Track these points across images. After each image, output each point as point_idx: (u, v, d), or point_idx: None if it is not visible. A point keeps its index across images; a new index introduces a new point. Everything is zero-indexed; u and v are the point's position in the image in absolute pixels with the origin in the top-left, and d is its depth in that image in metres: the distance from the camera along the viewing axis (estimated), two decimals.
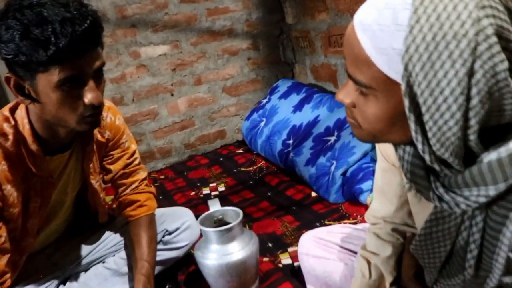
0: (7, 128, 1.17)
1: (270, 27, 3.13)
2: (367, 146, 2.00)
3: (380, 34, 0.64)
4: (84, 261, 1.59)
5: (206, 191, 2.37)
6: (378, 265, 1.05)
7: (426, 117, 0.63)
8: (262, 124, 2.66)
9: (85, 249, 1.59)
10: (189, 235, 1.62)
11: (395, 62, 0.64)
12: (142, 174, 1.57)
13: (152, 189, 1.59)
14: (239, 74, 3.10)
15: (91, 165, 1.41)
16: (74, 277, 1.57)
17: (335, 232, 1.29)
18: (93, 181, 1.45)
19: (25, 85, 1.06)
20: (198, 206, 2.13)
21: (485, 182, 0.65)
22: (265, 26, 3.11)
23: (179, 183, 2.54)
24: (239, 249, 1.39)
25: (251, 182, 2.39)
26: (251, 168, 2.56)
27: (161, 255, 1.56)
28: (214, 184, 2.43)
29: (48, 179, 1.27)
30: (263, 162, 2.60)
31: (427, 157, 0.67)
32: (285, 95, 2.68)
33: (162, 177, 2.68)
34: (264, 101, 2.83)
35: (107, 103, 1.45)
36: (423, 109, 0.63)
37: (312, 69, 2.96)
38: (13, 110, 1.19)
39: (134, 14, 2.74)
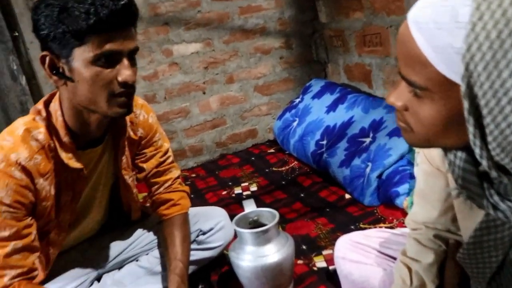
0: (39, 121, 1.17)
1: (303, 26, 3.10)
2: (403, 149, 1.95)
3: (437, 32, 0.61)
4: (118, 259, 1.58)
5: (238, 190, 2.36)
6: (419, 272, 1.02)
7: (487, 120, 0.59)
8: (295, 124, 2.64)
9: (118, 246, 1.59)
10: (223, 236, 1.60)
11: (454, 61, 0.60)
12: (175, 173, 1.56)
13: (186, 187, 1.58)
14: (271, 73, 3.08)
15: (124, 160, 1.41)
16: (108, 274, 1.58)
17: (372, 236, 1.26)
18: (126, 177, 1.44)
19: (60, 64, 1.08)
20: (230, 206, 2.12)
21: None
22: (298, 25, 3.08)
23: (210, 182, 2.54)
24: (275, 251, 1.37)
25: (283, 182, 2.36)
26: (283, 168, 2.54)
27: (195, 255, 1.55)
28: (246, 184, 2.41)
29: (80, 173, 1.27)
30: (295, 162, 2.57)
31: (484, 163, 0.63)
32: (318, 95, 2.65)
33: (193, 175, 2.68)
34: (297, 100, 2.80)
35: (140, 100, 1.45)
36: (484, 111, 0.59)
37: (345, 69, 2.92)
38: (47, 104, 1.20)
39: (166, 12, 2.75)
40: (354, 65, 2.80)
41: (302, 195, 2.18)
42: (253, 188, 2.36)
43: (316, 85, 2.76)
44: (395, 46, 2.31)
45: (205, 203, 2.25)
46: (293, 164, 2.56)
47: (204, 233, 1.58)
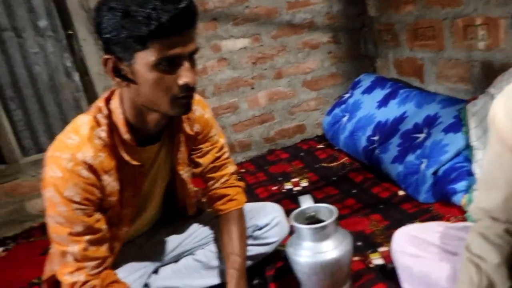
0: (101, 119, 1.21)
1: (351, 20, 3.06)
2: (460, 145, 1.90)
3: None
4: (174, 253, 1.62)
5: (288, 186, 2.36)
6: (488, 271, 0.99)
7: None
8: (345, 119, 2.61)
9: (174, 240, 1.62)
10: (279, 231, 1.61)
11: None
12: (231, 168, 1.57)
13: (241, 183, 1.59)
14: (319, 68, 3.06)
15: (180, 155, 1.43)
16: (165, 267, 1.62)
17: (430, 230, 1.25)
18: (181, 172, 1.46)
19: (122, 67, 1.10)
20: (281, 201, 2.12)
21: None
22: (346, 19, 3.05)
23: (260, 177, 2.55)
24: (333, 248, 1.36)
25: (334, 178, 2.35)
26: (333, 164, 2.52)
27: (251, 250, 1.56)
28: (297, 179, 2.41)
29: (140, 169, 1.29)
30: (346, 158, 2.55)
31: None
32: (368, 90, 2.62)
33: (242, 170, 2.70)
34: (347, 96, 2.77)
35: (196, 96, 1.46)
36: None
37: (395, 63, 2.87)
38: (107, 101, 1.23)
39: (215, 8, 2.77)
40: (405, 59, 2.74)
41: (354, 191, 2.16)
42: (304, 183, 2.36)
43: (366, 80, 2.73)
44: (450, 39, 2.26)
45: (255, 198, 2.27)
46: (343, 159, 2.54)
47: (260, 229, 1.59)
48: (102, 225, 1.24)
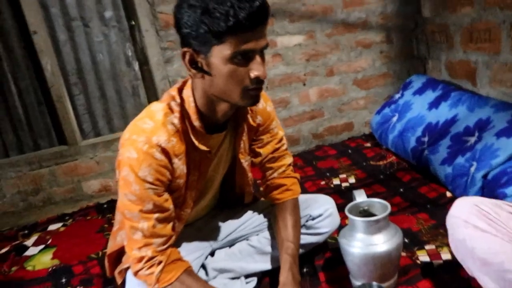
0: (174, 106, 1.32)
1: (404, 20, 3.10)
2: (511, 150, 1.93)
3: None
4: (230, 237, 1.72)
5: (336, 181, 2.43)
6: None
7: None
8: (394, 119, 2.66)
9: (231, 226, 1.72)
10: (331, 222, 1.69)
11: None
12: (289, 160, 1.66)
13: (297, 174, 1.68)
14: (370, 67, 3.11)
15: (242, 145, 1.53)
16: (220, 250, 1.72)
17: (501, 206, 1.21)
18: (242, 160, 1.57)
19: (199, 59, 1.20)
20: (330, 196, 2.19)
21: None
22: (399, 19, 3.09)
23: (308, 172, 2.62)
24: (384, 241, 1.43)
25: (381, 176, 2.40)
26: (381, 163, 2.57)
27: (303, 239, 1.64)
28: (344, 176, 2.48)
29: (207, 154, 1.40)
30: (394, 157, 2.60)
31: None
32: (419, 91, 2.65)
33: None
34: (397, 96, 2.81)
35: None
36: None
37: (447, 65, 2.88)
38: (180, 90, 1.34)
39: (273, 4, 2.84)
40: (458, 61, 2.76)
41: (401, 189, 2.21)
42: (352, 180, 2.42)
43: (417, 81, 2.76)
44: (507, 42, 2.27)
45: (304, 192, 2.34)
46: (391, 159, 2.59)
47: (313, 219, 1.67)
48: (170, 205, 1.35)
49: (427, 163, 2.28)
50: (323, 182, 2.44)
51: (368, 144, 2.89)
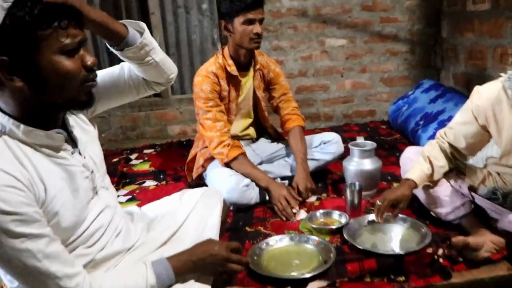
0: (219, 55, 2.47)
1: (427, 37, 3.98)
2: None
3: None
4: (271, 155, 2.73)
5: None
6: (435, 167, 1.88)
7: None
8: (404, 109, 3.56)
9: (271, 148, 2.75)
10: (337, 147, 2.67)
11: None
12: (294, 104, 2.70)
13: (302, 116, 2.69)
14: (395, 70, 4.02)
15: (256, 81, 2.60)
16: (265, 162, 2.71)
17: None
18: (258, 91, 2.62)
19: (228, 26, 2.35)
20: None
21: None
22: (423, 36, 3.98)
23: None
24: (369, 164, 2.37)
25: (386, 146, 3.32)
26: (389, 138, 3.49)
27: (318, 156, 2.66)
28: None
29: (238, 80, 2.48)
30: (399, 135, 3.51)
31: None
32: (426, 91, 3.54)
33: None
34: (410, 92, 3.71)
35: (272, 60, 2.73)
36: None
37: (453, 76, 3.77)
38: (223, 49, 2.48)
39: (326, 13, 3.81)
40: (460, 73, 3.64)
41: (397, 154, 3.11)
42: None
43: (427, 83, 3.65)
44: (491, 62, 3.14)
45: None
46: (396, 136, 3.51)
47: (325, 143, 2.66)
48: (221, 104, 2.44)
49: (419, 139, 3.18)
50: (344, 144, 3.37)
51: (384, 126, 3.81)
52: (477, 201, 1.86)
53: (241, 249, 1.53)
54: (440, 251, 1.78)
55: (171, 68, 1.57)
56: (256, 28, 2.33)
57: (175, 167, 3.17)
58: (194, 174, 2.62)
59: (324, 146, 2.67)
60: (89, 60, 1.13)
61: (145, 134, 3.91)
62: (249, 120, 2.75)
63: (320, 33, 3.84)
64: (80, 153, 1.28)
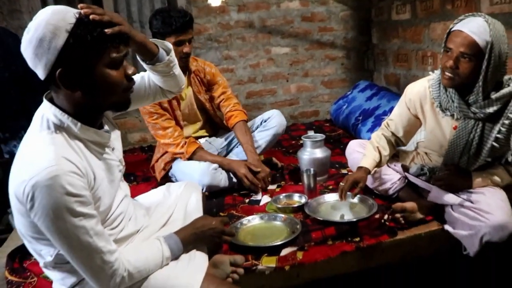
0: None
1: (360, 44, 4.47)
2: None
3: (480, 34, 1.81)
4: (228, 146, 3.03)
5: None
6: (383, 155, 2.30)
7: (489, 73, 1.82)
8: (344, 107, 4.00)
9: (225, 139, 3.05)
10: (276, 121, 2.96)
11: (486, 44, 1.78)
12: (234, 100, 2.96)
13: (244, 110, 2.95)
14: (334, 73, 4.47)
15: (195, 87, 2.84)
16: (225, 154, 3.00)
17: (365, 143, 2.54)
18: (199, 96, 2.88)
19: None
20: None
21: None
22: (356, 43, 4.46)
23: (283, 136, 3.93)
24: (320, 153, 2.75)
25: (331, 140, 3.74)
26: (333, 134, 3.91)
27: (261, 136, 2.95)
28: None
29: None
30: (341, 131, 3.95)
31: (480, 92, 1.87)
32: (362, 90, 4.00)
33: None
34: (348, 93, 4.17)
35: (207, 63, 2.95)
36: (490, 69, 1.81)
37: (384, 76, 4.27)
38: None
39: (271, 25, 4.20)
40: (390, 74, 4.14)
41: (341, 146, 3.54)
42: None
43: (362, 84, 4.11)
44: (415, 63, 3.64)
45: (279, 145, 3.66)
46: (339, 131, 3.94)
47: (265, 121, 2.99)
48: (165, 113, 2.71)
49: (359, 133, 3.61)
50: (293, 141, 3.77)
51: (327, 124, 4.23)
52: (410, 179, 2.28)
53: (230, 222, 1.87)
54: (386, 216, 2.17)
55: (182, 79, 1.89)
56: (186, 48, 2.59)
57: (143, 169, 3.42)
58: (159, 176, 2.91)
59: (265, 123, 2.98)
60: (130, 70, 1.41)
61: None
62: (199, 124, 3.02)
63: (266, 42, 4.22)
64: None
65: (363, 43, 4.46)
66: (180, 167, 2.75)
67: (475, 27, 1.81)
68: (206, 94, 2.93)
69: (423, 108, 2.17)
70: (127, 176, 3.27)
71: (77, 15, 1.30)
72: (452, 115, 2.02)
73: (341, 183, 2.23)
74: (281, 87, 4.38)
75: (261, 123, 3.01)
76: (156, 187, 2.49)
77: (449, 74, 1.89)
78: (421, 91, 2.16)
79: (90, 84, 1.33)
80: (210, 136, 3.07)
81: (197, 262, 1.65)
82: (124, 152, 3.95)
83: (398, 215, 2.10)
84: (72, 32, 1.27)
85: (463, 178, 2.06)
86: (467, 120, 1.97)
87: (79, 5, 1.34)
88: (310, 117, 4.52)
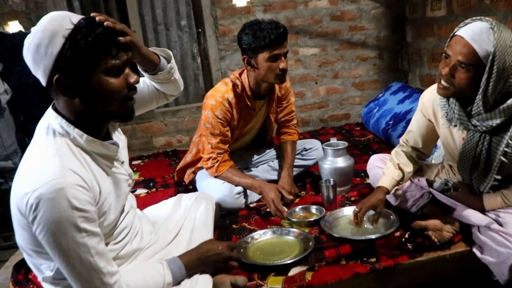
0: (237, 82, 2.52)
1: (393, 43, 4.25)
2: None
3: (482, 43, 1.57)
4: (257, 160, 2.91)
5: None
6: (405, 172, 2.13)
7: (490, 85, 1.61)
8: (375, 110, 3.80)
9: (258, 154, 2.93)
10: (317, 154, 2.86)
11: (488, 55, 1.58)
12: (295, 121, 2.88)
13: (298, 129, 2.88)
14: (365, 75, 4.27)
15: (272, 107, 2.73)
16: (250, 168, 2.90)
17: (386, 158, 2.38)
18: (271, 115, 2.77)
19: (251, 61, 2.37)
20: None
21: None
22: (389, 42, 4.25)
23: None
24: (342, 162, 2.59)
25: (360, 146, 3.55)
26: (363, 139, 3.72)
27: (300, 162, 2.84)
28: None
29: (251, 111, 2.59)
30: (371, 135, 3.75)
31: (480, 103, 1.66)
32: (394, 93, 3.79)
33: (301, 137, 3.94)
34: (380, 95, 3.96)
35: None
36: (492, 81, 1.59)
37: (419, 77, 4.03)
38: (240, 75, 2.54)
39: (298, 25, 4.05)
40: (425, 75, 3.91)
41: (370, 153, 3.35)
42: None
43: (395, 86, 3.90)
44: None
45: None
46: (369, 136, 3.74)
47: (306, 150, 2.86)
48: (228, 133, 2.54)
49: (390, 138, 3.42)
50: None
51: (358, 128, 4.04)
52: (434, 194, 2.08)
53: (237, 247, 1.77)
54: (407, 235, 1.99)
55: (181, 83, 1.86)
56: (282, 63, 2.35)
57: (163, 175, 3.35)
58: (187, 179, 2.82)
59: (305, 152, 2.89)
60: (133, 78, 1.35)
61: (132, 147, 4.07)
62: (247, 141, 2.89)
63: (294, 43, 4.07)
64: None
65: (397, 42, 4.25)
66: (202, 184, 2.63)
67: (477, 34, 1.61)
68: (275, 112, 2.82)
69: (435, 114, 2.01)
70: (147, 182, 3.21)
71: (76, 21, 1.26)
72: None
73: (355, 208, 2.10)
74: (310, 90, 4.22)
75: (301, 151, 2.90)
76: (174, 195, 2.44)
77: (444, 83, 1.72)
78: (433, 95, 1.99)
79: (88, 91, 1.28)
80: (246, 151, 2.94)
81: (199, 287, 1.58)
82: (148, 157, 3.97)
83: (430, 232, 1.90)
84: (68, 38, 1.22)
85: (474, 197, 1.89)
86: (474, 132, 1.79)
87: (92, 14, 1.31)
88: (341, 121, 4.35)
